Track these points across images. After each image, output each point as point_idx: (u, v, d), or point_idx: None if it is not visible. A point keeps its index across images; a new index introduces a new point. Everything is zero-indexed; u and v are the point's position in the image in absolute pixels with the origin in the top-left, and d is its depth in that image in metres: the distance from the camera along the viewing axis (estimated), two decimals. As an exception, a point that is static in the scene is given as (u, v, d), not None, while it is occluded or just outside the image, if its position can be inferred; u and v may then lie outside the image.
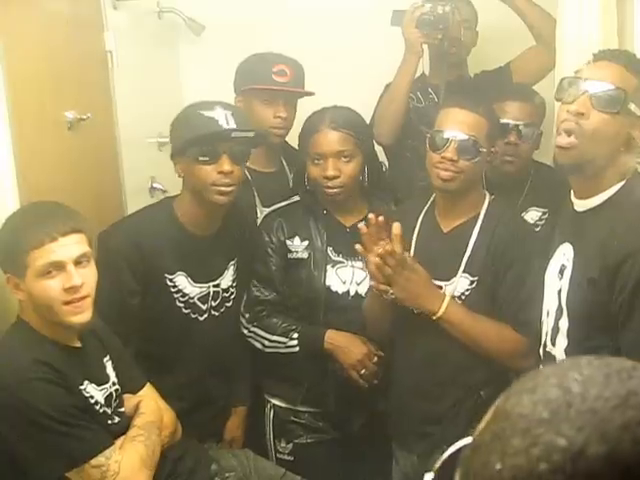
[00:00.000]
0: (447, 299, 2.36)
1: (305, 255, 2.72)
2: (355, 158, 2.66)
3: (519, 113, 2.77)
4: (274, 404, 2.86)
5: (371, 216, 2.42)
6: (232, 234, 2.72)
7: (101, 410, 2.09)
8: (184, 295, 2.61)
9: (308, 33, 3.46)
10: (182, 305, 2.61)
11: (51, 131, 2.53)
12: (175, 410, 2.36)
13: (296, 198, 2.81)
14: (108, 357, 2.22)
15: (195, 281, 2.62)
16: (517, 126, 2.76)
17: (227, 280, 2.70)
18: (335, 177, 2.63)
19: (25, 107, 2.32)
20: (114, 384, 2.18)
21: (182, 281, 2.60)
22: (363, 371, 2.64)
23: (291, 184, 2.98)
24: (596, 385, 0.71)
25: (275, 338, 2.72)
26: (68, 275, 1.98)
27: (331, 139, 2.63)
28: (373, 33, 3.30)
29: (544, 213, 2.83)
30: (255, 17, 3.55)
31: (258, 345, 2.75)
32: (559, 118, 1.93)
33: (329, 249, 2.73)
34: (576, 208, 1.99)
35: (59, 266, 1.98)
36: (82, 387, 2.04)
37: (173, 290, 2.59)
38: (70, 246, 2.00)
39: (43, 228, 1.97)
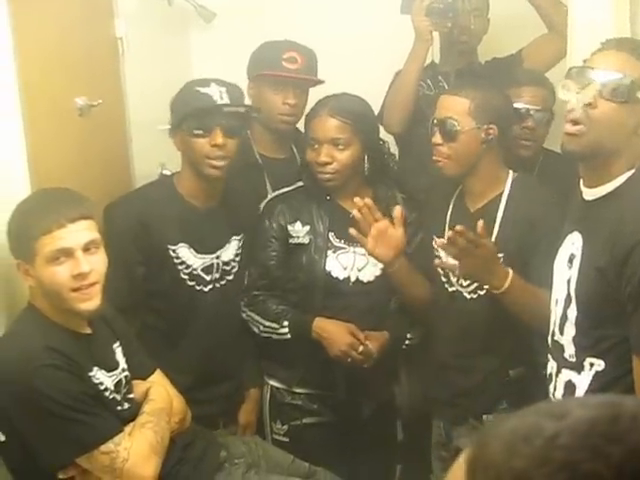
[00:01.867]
0: (510, 275, 2.36)
1: (306, 240, 2.73)
2: (351, 146, 2.66)
3: (537, 98, 2.79)
4: (271, 385, 2.88)
5: (357, 199, 2.51)
6: (235, 208, 2.74)
7: (111, 396, 2.10)
8: (188, 267, 2.64)
9: (318, 20, 3.46)
10: (187, 277, 2.65)
11: (62, 117, 2.53)
12: (182, 385, 2.38)
13: (300, 183, 2.82)
14: (118, 343, 2.22)
15: (198, 252, 2.65)
16: (536, 111, 2.77)
17: (229, 253, 2.73)
18: (327, 163, 2.64)
19: (36, 93, 2.32)
20: (124, 370, 2.19)
21: (185, 252, 2.63)
22: (349, 360, 2.65)
23: None
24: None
25: (268, 324, 2.75)
26: (76, 262, 1.98)
27: (327, 126, 2.64)
28: (383, 21, 3.29)
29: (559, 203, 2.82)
30: (265, 4, 3.55)
31: (255, 329, 2.78)
32: (567, 107, 1.93)
33: (331, 234, 2.74)
34: (585, 197, 1.98)
35: (67, 253, 1.98)
36: (92, 374, 2.05)
37: (177, 262, 2.63)
38: (79, 233, 2.00)
39: (51, 215, 1.97)
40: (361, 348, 2.65)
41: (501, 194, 2.52)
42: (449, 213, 2.62)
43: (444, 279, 2.60)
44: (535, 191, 2.59)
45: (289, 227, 2.75)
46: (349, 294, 2.73)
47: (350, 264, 2.73)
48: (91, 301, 2.02)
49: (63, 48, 2.56)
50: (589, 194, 1.97)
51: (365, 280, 2.73)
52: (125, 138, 3.03)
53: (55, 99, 2.48)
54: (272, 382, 2.88)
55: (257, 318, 2.78)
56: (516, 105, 2.72)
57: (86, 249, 2.01)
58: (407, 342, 2.79)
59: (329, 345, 2.66)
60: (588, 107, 1.86)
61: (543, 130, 2.82)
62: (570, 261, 1.98)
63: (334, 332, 2.66)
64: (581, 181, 2.01)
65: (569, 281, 1.97)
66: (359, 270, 2.73)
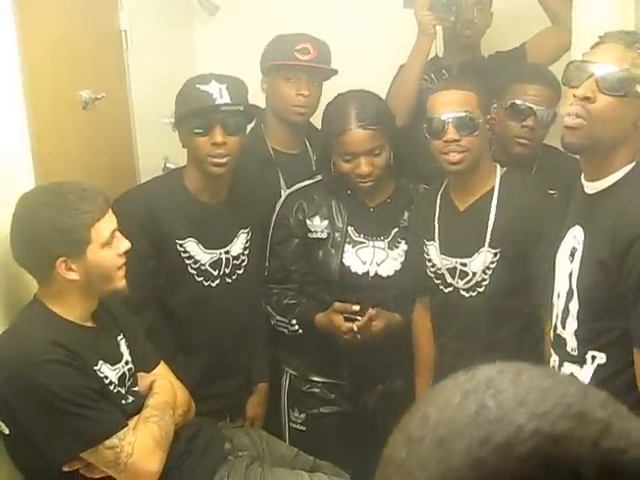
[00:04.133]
0: None
1: (324, 235, 2.74)
2: (385, 149, 2.65)
3: (542, 97, 2.74)
4: (290, 373, 2.91)
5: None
6: (243, 203, 2.75)
7: (115, 390, 2.10)
8: (196, 262, 2.65)
9: (322, 14, 3.46)
10: (194, 272, 2.66)
11: (66, 110, 2.54)
12: (192, 380, 2.40)
13: (319, 177, 2.82)
14: (122, 335, 2.23)
15: (206, 247, 2.66)
16: (539, 110, 2.73)
17: (237, 247, 2.74)
18: (369, 173, 2.63)
19: (41, 86, 2.33)
20: (127, 363, 2.19)
21: (193, 247, 2.64)
22: (358, 336, 2.63)
23: (314, 166, 2.99)
24: (450, 407, 0.65)
25: (279, 318, 2.79)
26: (118, 241, 2.08)
27: (361, 138, 2.60)
28: (387, 15, 3.29)
29: (552, 194, 2.81)
30: (269, -2, 3.55)
31: (271, 321, 2.82)
32: (566, 101, 1.92)
33: (350, 229, 2.74)
34: (586, 190, 1.98)
35: (114, 234, 2.07)
36: (96, 367, 2.05)
37: (184, 256, 2.64)
38: (113, 215, 2.09)
39: (97, 201, 2.03)
40: (356, 326, 2.62)
41: (491, 190, 2.52)
42: (437, 215, 2.61)
43: (438, 281, 2.61)
44: (525, 183, 2.60)
45: (308, 222, 2.76)
46: (368, 288, 2.73)
47: (369, 258, 2.73)
48: (125, 279, 2.12)
49: (68, 41, 2.57)
50: (590, 188, 1.97)
51: (385, 275, 2.74)
52: (129, 131, 3.04)
53: (59, 92, 2.49)
54: (290, 370, 2.92)
55: (271, 311, 2.81)
56: (518, 102, 2.72)
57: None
58: None
59: (335, 335, 2.67)
60: (587, 101, 1.85)
61: (543, 130, 2.78)
62: (572, 255, 1.98)
63: (328, 323, 2.67)
64: (582, 175, 2.01)
65: (571, 275, 1.97)
66: (378, 264, 2.74)
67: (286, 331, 2.79)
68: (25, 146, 2.19)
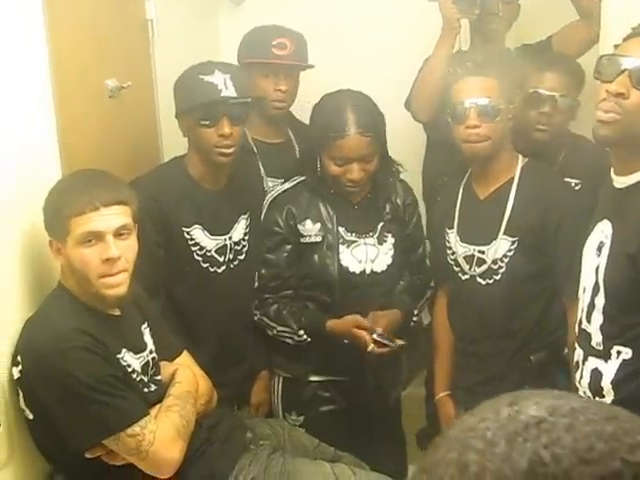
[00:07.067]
0: None
1: (319, 238, 2.70)
2: (375, 156, 2.64)
3: (556, 84, 2.74)
4: (283, 376, 2.86)
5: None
6: (241, 189, 2.76)
7: (138, 378, 2.11)
8: (202, 248, 2.65)
9: (347, 6, 3.45)
10: (200, 259, 2.66)
11: (92, 99, 2.55)
12: (203, 369, 2.38)
13: (301, 178, 2.77)
14: (146, 324, 2.23)
15: (211, 234, 2.67)
16: (553, 97, 2.73)
17: (238, 233, 2.74)
18: (360, 179, 2.62)
19: (67, 75, 2.34)
20: (151, 352, 2.20)
21: (199, 234, 2.65)
22: (378, 349, 2.58)
23: (298, 155, 2.99)
24: (495, 456, 0.58)
25: (281, 328, 2.72)
26: (106, 246, 1.98)
27: (358, 145, 2.58)
28: (412, 7, 3.27)
29: (576, 184, 2.80)
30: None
31: (268, 332, 2.76)
32: (599, 96, 1.90)
33: (341, 229, 2.71)
34: (615, 185, 1.97)
35: (98, 236, 1.98)
36: (120, 356, 2.06)
37: (191, 243, 2.64)
38: (111, 217, 2.00)
39: (86, 196, 1.98)
40: (375, 335, 2.57)
41: (511, 179, 2.56)
42: (458, 202, 2.66)
43: (457, 269, 2.65)
44: (545, 174, 2.63)
45: (299, 227, 2.71)
46: (365, 285, 2.72)
47: (363, 257, 2.71)
48: (118, 288, 2.03)
49: (94, 30, 2.57)
50: (620, 182, 1.95)
51: (379, 270, 2.73)
52: (155, 120, 3.05)
53: (86, 81, 2.50)
54: (284, 374, 2.86)
55: (268, 322, 2.75)
56: (541, 90, 2.73)
57: (117, 234, 2.01)
58: (414, 319, 2.81)
59: (351, 343, 2.62)
60: (620, 97, 1.83)
61: (562, 116, 2.77)
62: (599, 249, 1.97)
63: (346, 331, 2.63)
64: (612, 169, 1.99)
65: (597, 269, 1.96)
66: (372, 261, 2.72)
67: (291, 341, 2.72)
68: (51, 135, 2.20)
